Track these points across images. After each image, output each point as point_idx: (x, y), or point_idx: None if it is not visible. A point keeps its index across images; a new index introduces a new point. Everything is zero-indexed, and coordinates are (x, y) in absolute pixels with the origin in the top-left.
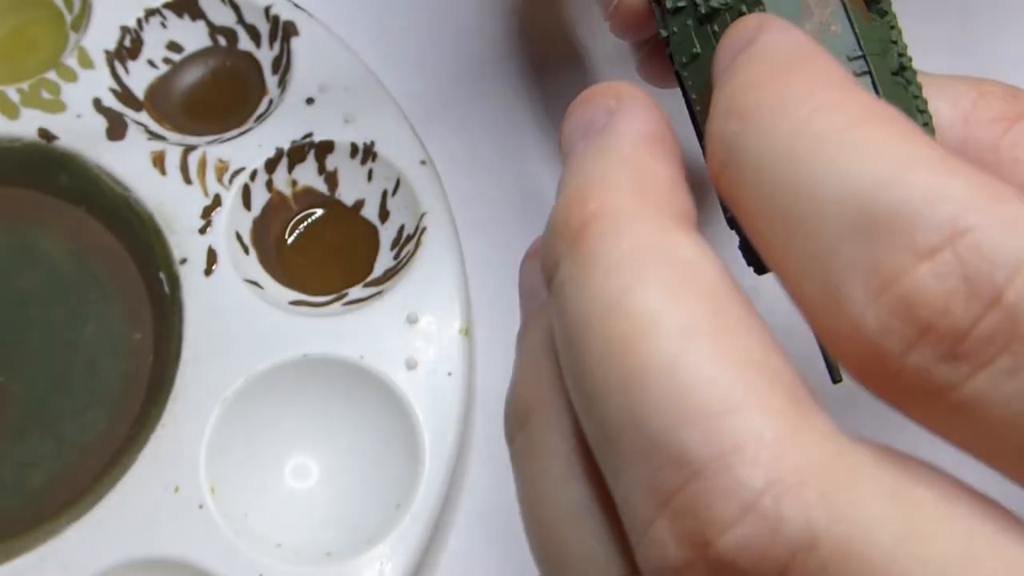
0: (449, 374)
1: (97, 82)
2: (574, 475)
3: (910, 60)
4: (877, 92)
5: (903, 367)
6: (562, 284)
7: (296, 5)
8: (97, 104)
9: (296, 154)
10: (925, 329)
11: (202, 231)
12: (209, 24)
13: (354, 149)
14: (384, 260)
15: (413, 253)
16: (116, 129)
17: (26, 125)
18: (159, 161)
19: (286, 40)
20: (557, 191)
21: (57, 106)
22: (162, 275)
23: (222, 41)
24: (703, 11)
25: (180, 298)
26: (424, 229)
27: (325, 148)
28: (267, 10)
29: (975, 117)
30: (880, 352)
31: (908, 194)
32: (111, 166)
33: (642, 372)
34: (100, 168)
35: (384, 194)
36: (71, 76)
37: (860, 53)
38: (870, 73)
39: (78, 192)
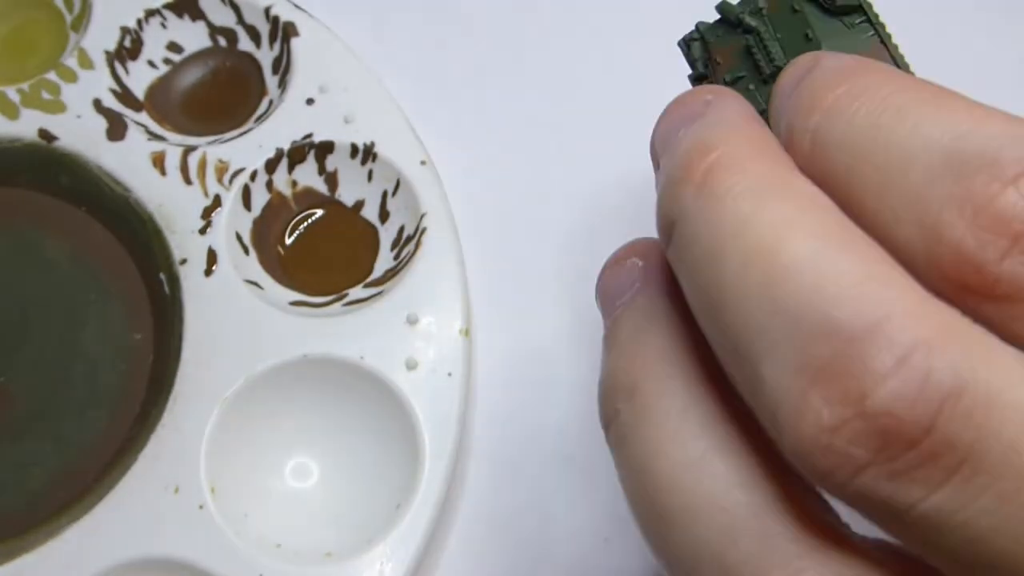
0: (449, 374)
1: (97, 82)
2: (691, 430)
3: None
4: None
5: (1000, 275)
6: (691, 221)
7: (296, 5)
8: (97, 104)
9: (296, 154)
10: (1018, 237)
11: (202, 231)
12: (209, 24)
13: (354, 149)
14: (384, 260)
15: (413, 253)
16: (116, 129)
17: (26, 125)
18: (159, 161)
19: (286, 40)
20: (659, 174)
21: (57, 106)
22: (162, 275)
23: (222, 41)
24: (767, 71)
25: (180, 298)
26: (424, 229)
27: (325, 148)
28: (267, 10)
29: None
30: (980, 264)
31: (989, 138)
32: (111, 166)
33: (784, 268)
34: (100, 168)
35: (384, 194)
36: (71, 76)
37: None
38: None
39: (78, 192)
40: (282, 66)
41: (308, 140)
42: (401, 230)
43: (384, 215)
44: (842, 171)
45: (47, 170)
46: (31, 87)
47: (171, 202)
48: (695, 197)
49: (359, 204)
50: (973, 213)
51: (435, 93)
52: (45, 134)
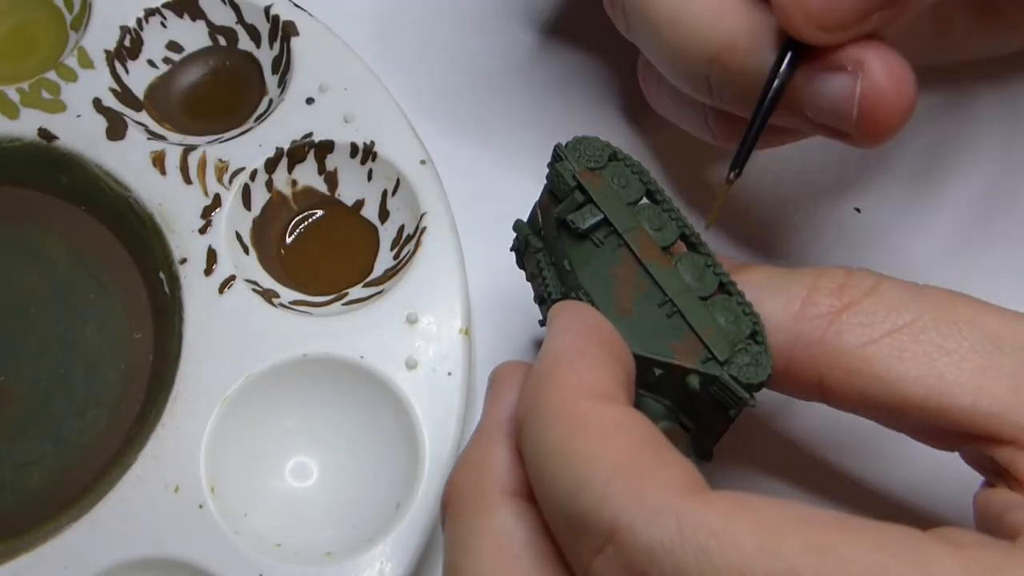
0: (449, 374)
1: (97, 82)
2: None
3: (727, 275)
4: (690, 325)
5: None
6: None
7: (296, 5)
8: (97, 104)
9: (296, 154)
10: None
11: (202, 231)
12: (209, 24)
13: (354, 149)
14: (384, 260)
15: (413, 253)
16: (116, 129)
17: (26, 125)
18: (159, 161)
19: (286, 40)
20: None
21: (57, 106)
22: (162, 275)
23: (222, 41)
24: (541, 296)
25: (180, 298)
26: (424, 229)
27: (325, 148)
28: (267, 10)
29: (803, 315)
30: None
31: (590, 495)
32: (111, 166)
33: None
34: (100, 168)
35: (384, 194)
36: (71, 76)
37: (667, 298)
38: (678, 311)
39: (78, 192)
40: (282, 66)
41: (308, 140)
42: (401, 230)
43: (384, 215)
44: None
45: (47, 170)
46: (31, 87)
47: (171, 202)
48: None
49: (359, 204)
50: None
51: (435, 93)
52: (45, 134)
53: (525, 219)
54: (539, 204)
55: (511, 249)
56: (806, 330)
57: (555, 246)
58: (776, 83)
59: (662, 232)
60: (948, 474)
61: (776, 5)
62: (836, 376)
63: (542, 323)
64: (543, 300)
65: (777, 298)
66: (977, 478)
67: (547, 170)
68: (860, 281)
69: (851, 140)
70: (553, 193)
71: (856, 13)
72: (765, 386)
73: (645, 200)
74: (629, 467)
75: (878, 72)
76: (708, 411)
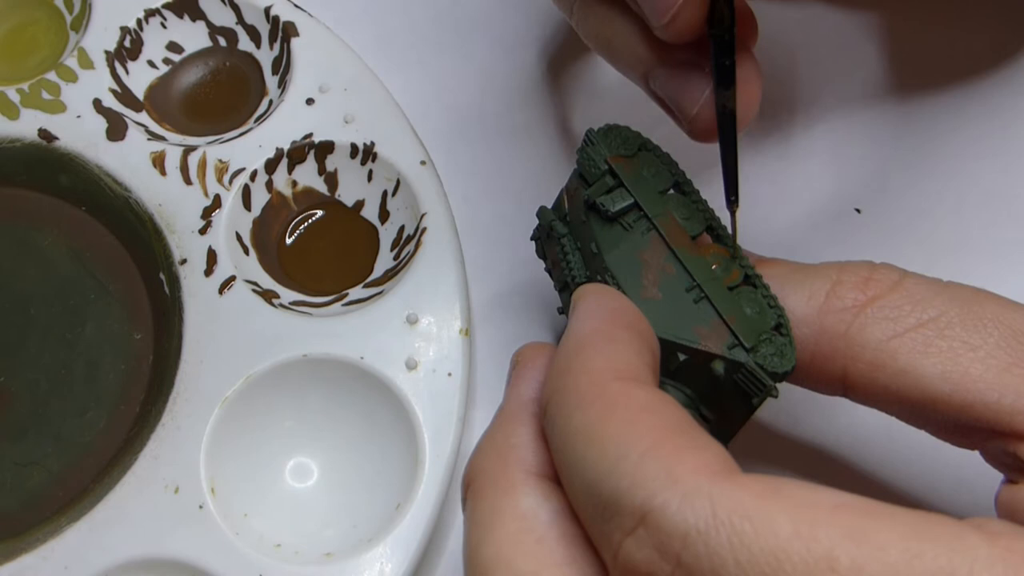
0: (449, 374)
1: (97, 82)
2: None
3: (753, 268)
4: (717, 311)
5: None
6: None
7: (296, 6)
8: (97, 105)
9: (296, 154)
10: None
11: (202, 231)
12: (209, 24)
13: (354, 149)
14: (384, 260)
15: (413, 253)
16: (116, 129)
17: (26, 125)
18: (159, 162)
19: (286, 41)
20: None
21: (57, 106)
22: (162, 275)
23: (222, 41)
24: (564, 281)
25: (180, 298)
26: (424, 229)
27: (325, 148)
28: (267, 11)
29: (827, 308)
30: None
31: (621, 478)
32: (111, 166)
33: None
34: (100, 168)
35: (384, 194)
36: (71, 76)
37: (695, 283)
38: (706, 297)
39: (78, 192)
40: (282, 66)
41: (308, 140)
42: (401, 230)
43: (384, 215)
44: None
45: (47, 170)
46: (31, 87)
47: (171, 202)
48: (464, 503)
49: (359, 204)
50: (612, 559)
51: (435, 93)
52: (45, 134)
53: (543, 212)
54: (566, 189)
55: (532, 238)
56: (830, 323)
57: (582, 230)
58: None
59: (689, 222)
60: (967, 474)
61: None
62: (860, 370)
63: (561, 311)
64: (565, 286)
65: (801, 291)
66: (995, 478)
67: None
68: (885, 275)
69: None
70: (583, 177)
71: None
72: (789, 377)
73: (673, 191)
74: (661, 449)
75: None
76: (730, 399)
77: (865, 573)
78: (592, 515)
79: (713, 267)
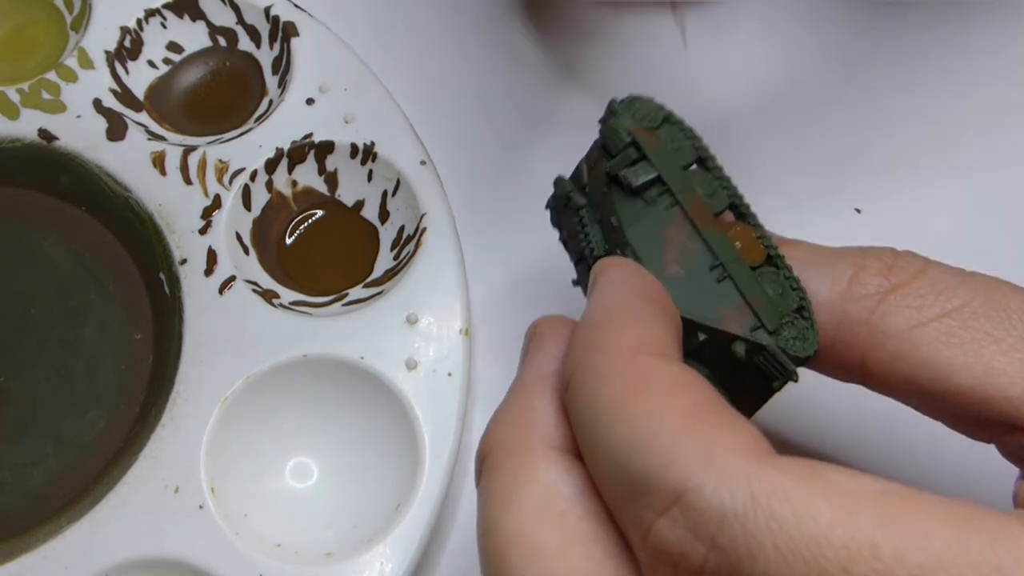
0: (449, 374)
1: (97, 82)
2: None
3: (776, 248)
4: (740, 292)
5: None
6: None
7: (296, 6)
8: (97, 104)
9: (296, 154)
10: (675, 567)
11: (202, 231)
12: (209, 24)
13: (354, 149)
14: (384, 260)
15: (413, 253)
16: (116, 129)
17: (26, 125)
18: (159, 161)
19: (286, 41)
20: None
21: (57, 106)
22: (162, 275)
23: (222, 41)
24: (582, 254)
25: (180, 298)
26: (424, 229)
27: (325, 148)
28: (267, 11)
29: (850, 294)
30: None
31: (652, 457)
32: (111, 166)
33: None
34: (100, 168)
35: (384, 194)
36: (71, 76)
37: (718, 262)
38: (729, 276)
39: (78, 192)
40: (282, 66)
41: (308, 140)
42: (401, 230)
43: (384, 215)
44: (576, 428)
45: (47, 170)
46: (31, 87)
47: (171, 202)
48: (478, 477)
49: (359, 204)
50: (641, 539)
51: (435, 93)
52: (45, 134)
53: (560, 182)
54: (586, 159)
55: (547, 207)
56: (853, 309)
57: (602, 202)
58: None
59: (713, 199)
60: (983, 468)
61: None
62: (880, 358)
63: (575, 283)
64: (582, 258)
65: (823, 275)
66: (1009, 471)
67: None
68: (909, 263)
69: None
70: (605, 148)
71: None
72: (811, 361)
73: (696, 167)
74: (696, 427)
75: None
76: (750, 382)
77: (908, 562)
78: (619, 494)
79: (736, 245)
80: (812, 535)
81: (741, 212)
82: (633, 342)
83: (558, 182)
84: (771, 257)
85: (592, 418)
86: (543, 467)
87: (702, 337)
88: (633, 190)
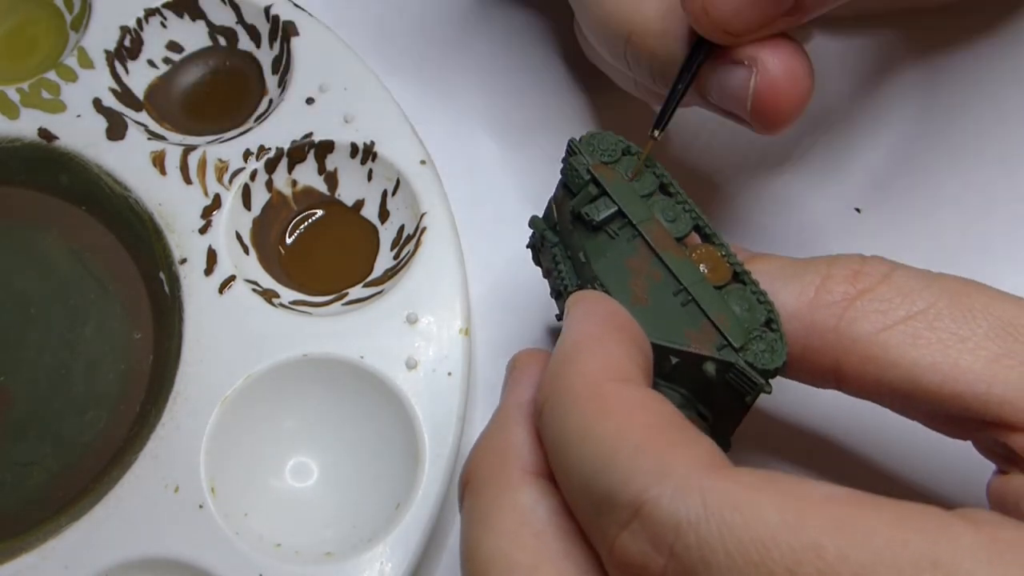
0: (449, 374)
1: (97, 82)
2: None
3: (742, 265)
4: (704, 313)
5: None
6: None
7: (296, 5)
8: (97, 104)
9: (296, 154)
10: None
11: (202, 231)
12: (209, 24)
13: (354, 149)
14: (384, 260)
15: (413, 253)
16: (116, 129)
17: (26, 125)
18: (159, 161)
19: (286, 40)
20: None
21: (57, 106)
22: (162, 275)
23: (222, 41)
24: (557, 290)
25: (180, 298)
26: (424, 229)
27: (325, 148)
28: (267, 10)
29: (817, 302)
30: None
31: (615, 472)
32: (111, 166)
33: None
34: (100, 168)
35: (384, 194)
36: (71, 76)
37: (681, 287)
38: (693, 300)
39: (78, 192)
40: (282, 66)
41: (308, 139)
42: (401, 230)
43: (384, 215)
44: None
45: (47, 169)
46: (31, 87)
47: (171, 202)
48: (462, 500)
49: (359, 204)
50: (608, 553)
51: (435, 93)
52: (45, 134)
53: (535, 221)
54: (554, 199)
55: (527, 246)
56: (821, 317)
57: (570, 239)
58: (687, 73)
59: (676, 223)
60: (960, 464)
61: (687, 10)
62: (851, 363)
63: (559, 317)
64: (560, 294)
65: (791, 286)
66: (988, 468)
67: (555, 167)
68: (874, 268)
69: (749, 126)
70: (568, 187)
71: (760, 21)
72: (781, 372)
73: (657, 193)
74: (654, 444)
75: (773, 68)
76: (724, 398)
77: (851, 561)
78: (587, 511)
79: (701, 267)
80: (760, 538)
81: (706, 233)
82: (597, 369)
83: (533, 221)
84: (737, 274)
85: (562, 442)
86: (520, 491)
87: (674, 360)
88: (596, 226)
